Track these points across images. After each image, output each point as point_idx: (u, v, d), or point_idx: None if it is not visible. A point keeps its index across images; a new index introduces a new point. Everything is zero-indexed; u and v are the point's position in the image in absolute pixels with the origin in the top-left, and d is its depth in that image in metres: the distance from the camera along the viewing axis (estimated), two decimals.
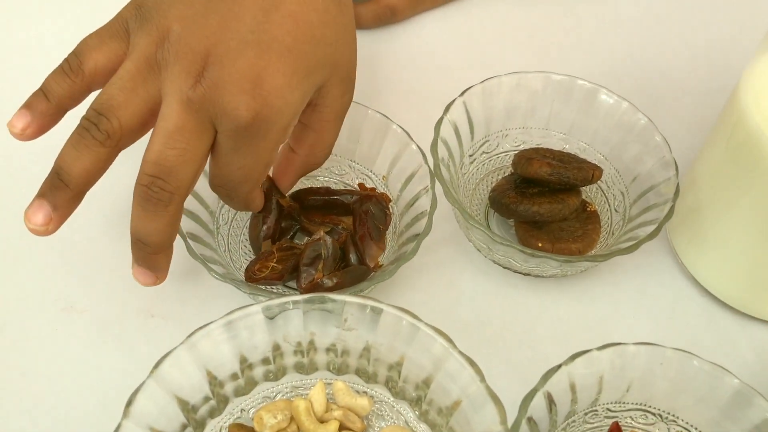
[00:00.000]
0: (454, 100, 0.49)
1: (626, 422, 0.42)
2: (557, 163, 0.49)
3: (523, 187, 0.50)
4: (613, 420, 0.42)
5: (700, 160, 0.50)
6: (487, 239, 0.46)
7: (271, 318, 0.38)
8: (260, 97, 0.35)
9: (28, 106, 0.38)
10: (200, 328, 0.36)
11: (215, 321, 0.37)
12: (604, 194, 0.53)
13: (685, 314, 0.50)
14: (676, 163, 0.48)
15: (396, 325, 0.39)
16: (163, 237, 0.38)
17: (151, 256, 0.39)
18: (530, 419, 0.38)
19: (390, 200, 0.49)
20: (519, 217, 0.50)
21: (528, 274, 0.50)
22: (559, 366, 0.39)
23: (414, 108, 0.57)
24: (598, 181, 0.52)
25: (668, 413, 0.42)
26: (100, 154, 0.36)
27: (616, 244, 0.48)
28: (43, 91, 0.38)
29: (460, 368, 0.37)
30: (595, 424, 0.42)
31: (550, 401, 0.39)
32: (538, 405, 0.39)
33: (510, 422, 0.36)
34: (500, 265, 0.50)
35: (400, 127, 0.48)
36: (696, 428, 0.42)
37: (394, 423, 0.41)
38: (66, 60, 0.38)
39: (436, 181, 0.46)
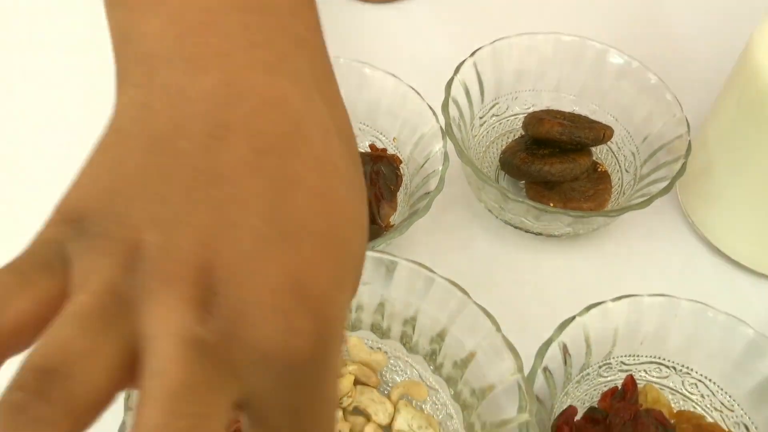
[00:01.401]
0: (464, 61, 0.49)
1: (640, 375, 0.43)
2: (568, 123, 0.49)
3: (533, 148, 0.50)
4: (628, 373, 0.42)
5: (710, 119, 0.50)
6: (500, 197, 0.46)
7: None
8: (312, 313, 0.22)
9: None
10: None
11: None
12: (615, 155, 0.53)
13: (696, 273, 0.50)
14: (687, 120, 0.48)
15: (411, 279, 0.39)
16: None
17: None
18: (546, 369, 0.38)
19: (401, 161, 0.49)
20: (530, 178, 0.50)
21: (540, 234, 0.50)
22: (574, 317, 0.39)
23: (423, 72, 0.56)
24: (609, 143, 0.52)
25: (682, 365, 0.42)
26: None
27: (628, 202, 0.48)
28: None
29: (476, 319, 0.38)
30: (609, 378, 0.43)
31: (565, 352, 0.39)
32: (553, 356, 0.39)
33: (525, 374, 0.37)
34: (512, 225, 0.50)
35: (412, 88, 0.48)
36: (710, 380, 0.42)
37: (408, 378, 0.42)
38: None
39: (448, 141, 0.46)
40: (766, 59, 0.44)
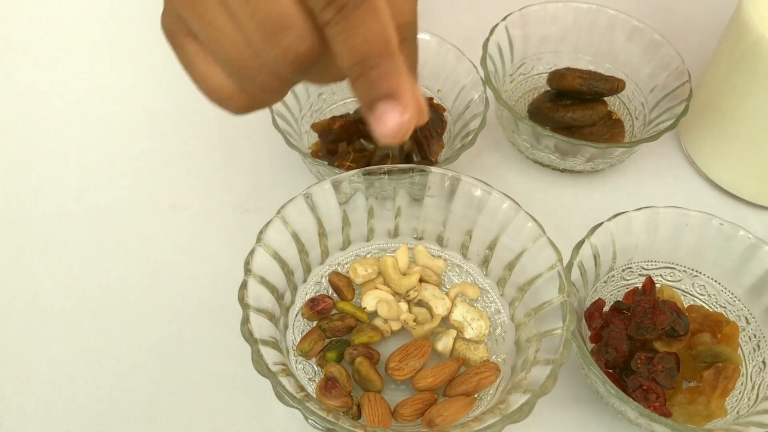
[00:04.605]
0: (497, 24, 0.58)
1: (657, 279, 0.51)
2: (587, 76, 0.57)
3: (557, 100, 0.59)
4: (646, 276, 0.50)
5: (709, 69, 0.58)
6: (531, 134, 0.54)
7: (369, 186, 0.46)
8: None
9: None
10: (314, 184, 0.44)
11: (324, 182, 0.45)
12: (626, 106, 0.61)
13: (697, 204, 0.58)
14: (688, 72, 0.56)
15: (470, 192, 0.46)
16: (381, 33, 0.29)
17: (379, 72, 0.29)
18: (581, 265, 0.46)
19: (445, 110, 0.57)
20: (555, 124, 0.58)
21: (564, 171, 0.58)
22: (603, 222, 0.47)
23: (457, 36, 0.64)
24: (621, 96, 0.60)
25: (692, 269, 0.50)
26: None
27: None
28: None
29: (525, 224, 0.45)
30: (631, 281, 0.50)
31: (595, 253, 0.47)
32: (585, 255, 0.47)
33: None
34: (540, 164, 0.58)
35: (453, 45, 0.56)
36: (715, 281, 0.50)
37: (464, 280, 0.49)
38: None
39: (487, 89, 0.54)
40: (754, 16, 0.52)
